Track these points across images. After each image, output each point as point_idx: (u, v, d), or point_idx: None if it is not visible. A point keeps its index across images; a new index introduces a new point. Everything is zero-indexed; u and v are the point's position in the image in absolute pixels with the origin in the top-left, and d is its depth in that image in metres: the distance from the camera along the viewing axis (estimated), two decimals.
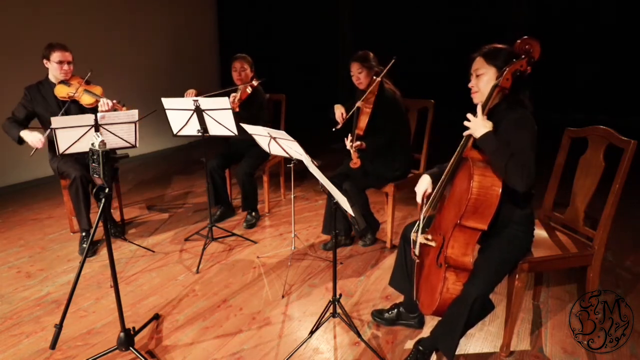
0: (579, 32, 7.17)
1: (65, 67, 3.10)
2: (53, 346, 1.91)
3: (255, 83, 3.56)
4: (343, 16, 8.16)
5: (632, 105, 7.02)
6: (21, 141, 3.09)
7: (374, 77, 2.97)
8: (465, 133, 1.87)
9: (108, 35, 5.48)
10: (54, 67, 3.10)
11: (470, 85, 1.95)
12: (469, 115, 1.84)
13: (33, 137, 3.00)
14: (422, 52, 8.20)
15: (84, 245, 3.16)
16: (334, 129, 3.04)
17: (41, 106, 3.15)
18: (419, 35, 8.20)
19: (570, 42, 7.21)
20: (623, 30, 7.00)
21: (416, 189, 2.11)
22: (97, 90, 3.17)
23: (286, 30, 7.96)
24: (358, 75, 3.03)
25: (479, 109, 1.83)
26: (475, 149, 1.86)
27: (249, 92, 3.54)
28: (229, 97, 3.41)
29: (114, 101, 3.07)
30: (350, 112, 3.02)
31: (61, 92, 3.12)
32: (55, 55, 3.06)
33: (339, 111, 3.13)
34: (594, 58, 7.26)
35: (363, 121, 2.91)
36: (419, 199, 2.08)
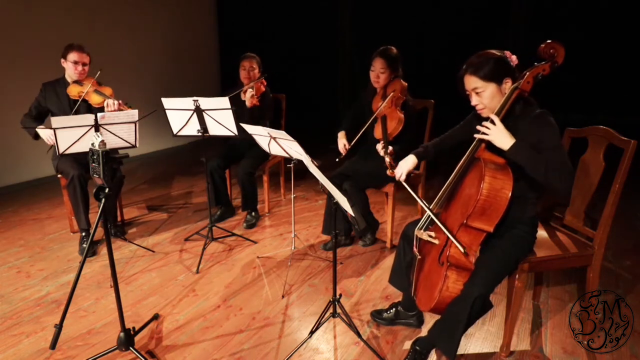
0: (579, 32, 7.15)
1: (80, 67, 3.15)
2: (53, 346, 1.91)
3: (264, 81, 3.58)
4: (343, 15, 8.15)
5: (632, 105, 7.01)
6: (37, 136, 3.16)
7: (402, 81, 2.88)
8: (478, 136, 1.82)
9: (108, 35, 5.49)
10: (69, 67, 3.15)
11: (473, 104, 1.90)
12: (488, 124, 1.78)
13: (48, 134, 3.05)
14: (422, 51, 8.20)
15: (84, 245, 3.16)
16: (337, 160, 3.02)
17: (54, 104, 3.21)
18: (419, 35, 8.19)
19: (570, 42, 7.21)
20: (623, 29, 6.99)
21: (402, 163, 2.20)
22: (107, 91, 3.22)
23: (286, 30, 7.96)
24: (380, 73, 2.92)
25: (494, 118, 1.77)
26: (489, 150, 1.83)
27: (264, 89, 3.57)
28: (242, 93, 3.47)
29: (120, 101, 3.11)
30: (369, 122, 2.90)
31: (73, 91, 3.18)
32: (72, 55, 3.12)
33: (342, 142, 3.07)
34: (594, 58, 7.25)
35: (396, 128, 2.79)
36: (402, 177, 2.16)
